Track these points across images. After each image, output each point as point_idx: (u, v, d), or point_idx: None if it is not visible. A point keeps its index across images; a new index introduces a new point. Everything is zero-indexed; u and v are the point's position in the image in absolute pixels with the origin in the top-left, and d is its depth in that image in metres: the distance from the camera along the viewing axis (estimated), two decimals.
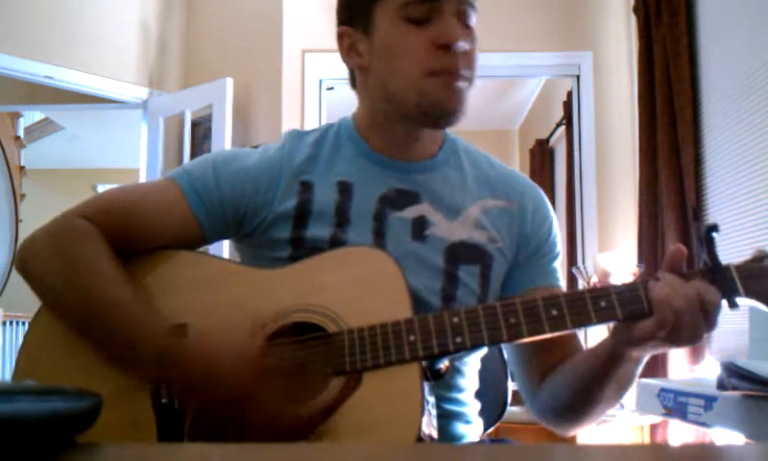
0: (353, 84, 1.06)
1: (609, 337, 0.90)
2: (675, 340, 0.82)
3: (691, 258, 2.57)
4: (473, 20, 0.97)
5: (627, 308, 0.83)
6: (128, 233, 0.95)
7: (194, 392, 0.84)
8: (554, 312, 0.83)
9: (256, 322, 0.86)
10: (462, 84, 0.95)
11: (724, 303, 0.83)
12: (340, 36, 1.02)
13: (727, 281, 0.83)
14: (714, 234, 0.85)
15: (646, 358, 0.91)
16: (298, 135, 1.06)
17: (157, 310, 0.89)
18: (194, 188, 0.98)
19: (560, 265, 1.08)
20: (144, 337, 0.85)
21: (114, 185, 1.09)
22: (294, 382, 0.82)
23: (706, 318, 0.81)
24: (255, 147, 1.07)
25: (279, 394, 0.81)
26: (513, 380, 1.39)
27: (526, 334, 0.83)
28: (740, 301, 0.83)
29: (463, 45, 0.93)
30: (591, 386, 0.94)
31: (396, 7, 0.95)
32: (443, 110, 0.95)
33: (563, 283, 1.08)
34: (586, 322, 0.83)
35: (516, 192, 1.06)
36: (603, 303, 0.83)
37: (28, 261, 0.93)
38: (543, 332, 0.83)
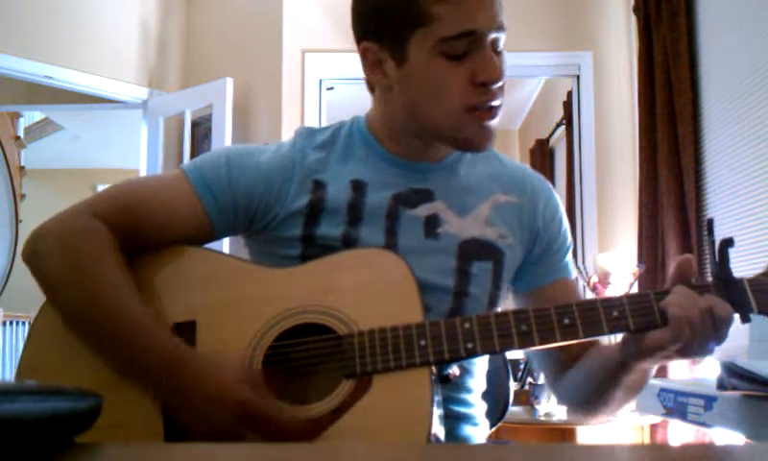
0: (371, 89, 1.05)
1: (618, 347, 0.90)
2: (686, 353, 0.83)
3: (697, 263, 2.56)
4: (503, 42, 0.96)
5: (639, 320, 0.83)
6: (139, 229, 0.94)
7: (188, 415, 0.84)
8: (566, 321, 0.84)
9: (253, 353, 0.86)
10: (495, 118, 0.95)
11: (736, 317, 0.83)
12: (364, 51, 0.99)
13: (739, 296, 0.83)
14: (729, 249, 0.84)
15: (656, 367, 0.91)
16: (309, 134, 1.05)
17: (163, 322, 0.89)
18: (205, 184, 0.98)
19: (571, 257, 1.09)
20: (145, 349, 0.85)
21: None
22: (284, 411, 0.82)
23: (716, 332, 0.81)
24: (266, 144, 1.06)
25: (271, 421, 0.80)
26: (513, 380, 1.38)
27: (537, 343, 0.84)
28: (753, 316, 0.83)
29: (503, 81, 0.93)
30: (602, 389, 0.96)
31: (434, 42, 0.91)
32: (475, 145, 0.97)
33: (574, 274, 1.10)
34: (598, 332, 0.84)
35: (526, 188, 1.07)
36: (615, 314, 0.84)
37: (36, 256, 0.92)
38: (554, 341, 0.84)
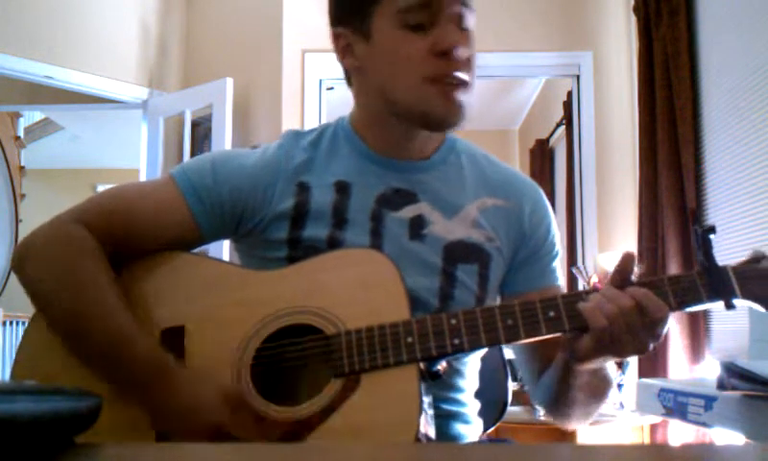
0: (349, 82, 1.06)
1: (560, 351, 0.91)
2: (617, 351, 0.83)
3: (691, 259, 2.56)
4: (471, 22, 0.96)
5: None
6: (127, 235, 0.94)
7: (169, 426, 0.84)
8: (551, 313, 0.84)
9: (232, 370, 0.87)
10: (461, 92, 0.94)
11: (721, 304, 0.83)
12: (336, 37, 1.02)
13: (724, 283, 0.84)
14: (711, 236, 0.86)
15: (608, 363, 0.91)
16: (295, 136, 1.06)
17: (149, 331, 0.89)
18: (192, 188, 0.98)
19: (559, 264, 1.09)
20: (129, 360, 0.85)
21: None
22: (263, 419, 0.83)
23: (649, 327, 0.81)
24: (254, 147, 1.07)
25: (253, 428, 0.81)
26: (513, 380, 1.38)
27: (523, 336, 0.84)
28: (737, 302, 0.84)
29: (462, 51, 0.93)
30: (563, 392, 0.96)
31: (394, 12, 0.93)
32: (441, 119, 0.95)
33: (562, 282, 1.09)
34: (583, 324, 0.84)
35: (514, 191, 1.06)
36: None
37: (24, 263, 0.92)
38: (540, 334, 0.84)
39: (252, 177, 1.00)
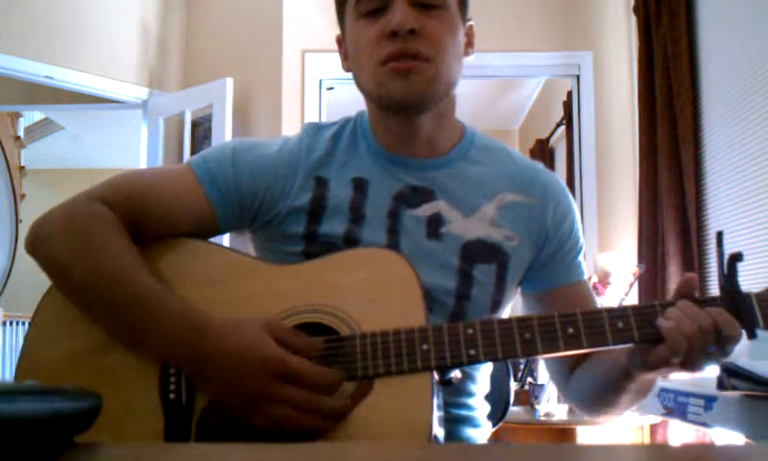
0: None
1: (625, 356, 0.89)
2: (689, 366, 0.82)
3: (691, 259, 2.57)
4: None
5: (644, 332, 0.82)
6: (143, 220, 0.93)
7: (215, 383, 0.82)
8: (570, 330, 0.82)
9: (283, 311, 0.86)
10: (417, 68, 0.93)
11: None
12: (338, 43, 1.05)
13: (747, 311, 0.82)
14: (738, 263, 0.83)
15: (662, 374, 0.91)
16: (316, 129, 1.05)
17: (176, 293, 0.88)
18: (211, 177, 0.97)
19: (583, 257, 1.07)
20: (162, 318, 0.84)
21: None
22: (319, 380, 0.80)
23: (721, 347, 0.80)
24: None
25: (306, 388, 0.79)
26: (515, 380, 1.37)
27: (541, 352, 0.83)
28: (760, 332, 0.82)
29: (408, 26, 0.92)
30: (608, 392, 0.96)
31: (353, 5, 0.97)
32: (400, 99, 0.95)
33: (586, 276, 1.08)
34: (602, 342, 0.83)
35: (537, 187, 1.04)
36: (620, 325, 0.82)
37: (40, 242, 0.91)
38: (558, 351, 0.83)
39: (271, 168, 0.99)
